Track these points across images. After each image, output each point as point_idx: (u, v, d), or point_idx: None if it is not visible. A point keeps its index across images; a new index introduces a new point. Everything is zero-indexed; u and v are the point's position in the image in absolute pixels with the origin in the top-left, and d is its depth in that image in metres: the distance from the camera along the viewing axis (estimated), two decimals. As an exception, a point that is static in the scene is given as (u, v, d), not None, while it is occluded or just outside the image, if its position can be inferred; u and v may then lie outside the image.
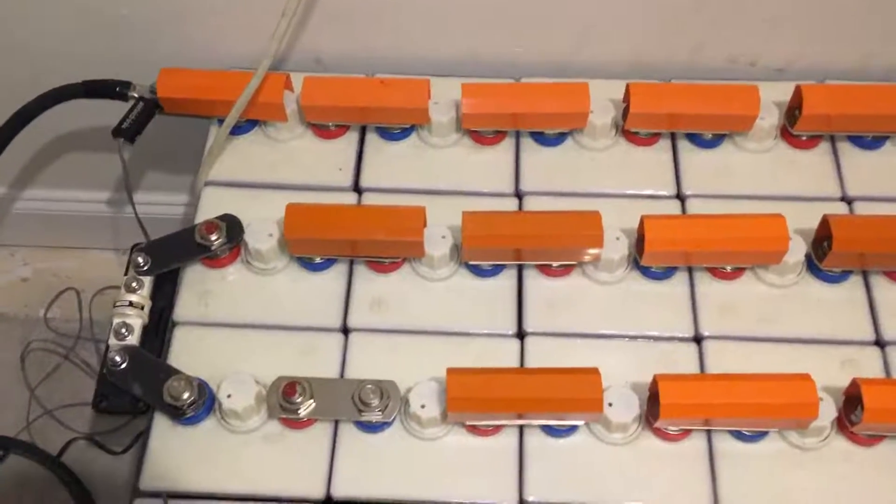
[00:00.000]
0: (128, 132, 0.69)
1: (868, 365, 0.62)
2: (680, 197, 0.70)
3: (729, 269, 0.65)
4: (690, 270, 0.66)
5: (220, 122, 0.72)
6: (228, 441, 0.60)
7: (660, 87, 0.71)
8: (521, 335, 0.64)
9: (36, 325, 1.05)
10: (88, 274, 1.09)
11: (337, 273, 0.66)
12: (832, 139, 0.72)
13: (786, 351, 0.63)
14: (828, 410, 0.58)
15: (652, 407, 0.58)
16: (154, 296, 0.65)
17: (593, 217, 0.62)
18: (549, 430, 0.60)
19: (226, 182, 0.71)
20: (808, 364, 0.60)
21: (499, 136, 0.72)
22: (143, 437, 0.92)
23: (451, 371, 0.57)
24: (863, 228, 0.64)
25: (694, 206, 0.69)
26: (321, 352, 0.63)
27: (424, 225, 0.63)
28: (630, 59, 0.77)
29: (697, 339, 0.64)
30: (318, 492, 0.58)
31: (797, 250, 0.64)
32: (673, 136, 0.72)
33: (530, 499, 0.58)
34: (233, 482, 0.59)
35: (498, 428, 0.60)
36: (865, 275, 0.66)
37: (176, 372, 0.60)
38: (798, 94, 0.69)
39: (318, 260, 0.66)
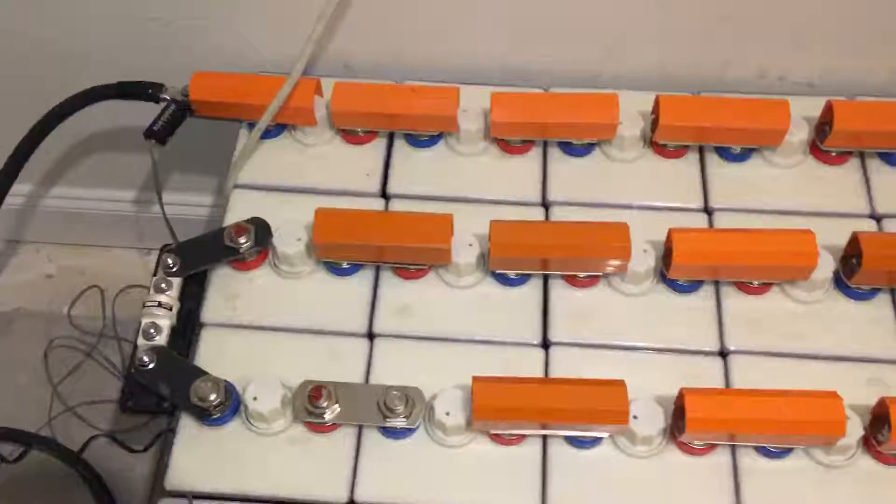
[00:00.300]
0: (159, 134, 0.70)
1: (895, 383, 0.62)
2: (707, 210, 0.70)
3: (756, 283, 0.65)
4: (717, 284, 0.66)
5: (250, 125, 0.73)
6: (253, 443, 0.60)
7: (689, 99, 0.71)
8: (545, 345, 0.64)
9: (59, 321, 1.06)
10: (112, 272, 1.10)
11: (363, 278, 0.67)
12: (861, 155, 0.72)
13: (812, 368, 0.63)
14: (854, 429, 0.57)
15: (677, 420, 0.58)
16: (182, 297, 0.65)
17: (621, 228, 0.62)
18: (573, 441, 0.60)
19: (254, 185, 0.72)
20: (835, 381, 0.60)
21: (526, 145, 0.73)
22: (165, 437, 0.93)
23: (477, 379, 0.57)
24: (892, 246, 0.63)
25: (721, 220, 0.69)
26: (346, 356, 0.64)
27: (452, 232, 0.64)
28: (659, 72, 0.77)
29: (723, 354, 0.64)
30: (341, 496, 0.58)
31: (825, 266, 0.64)
32: (701, 150, 0.72)
33: (553, 509, 0.58)
34: (256, 484, 0.59)
35: (521, 437, 0.60)
36: (893, 292, 0.65)
37: (203, 373, 0.60)
38: (828, 110, 0.69)
39: (344, 265, 0.66)
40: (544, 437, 0.60)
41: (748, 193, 0.70)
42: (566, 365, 0.63)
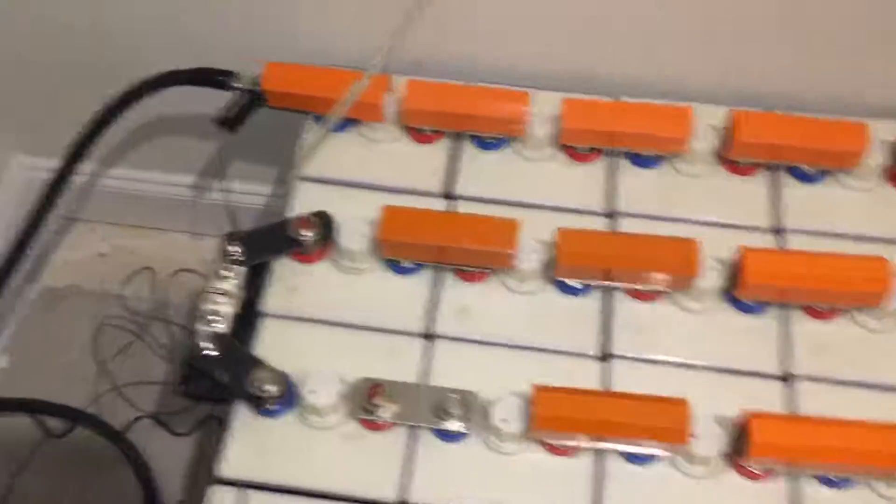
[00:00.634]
0: (230, 122, 0.70)
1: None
2: (776, 231, 0.68)
3: (824, 308, 0.64)
4: (784, 307, 0.65)
5: (317, 118, 0.73)
6: (307, 436, 0.60)
7: (766, 116, 0.70)
8: (604, 357, 0.63)
9: (110, 301, 1.07)
10: (164, 255, 1.10)
11: (423, 278, 0.66)
12: (936, 182, 0.70)
13: (879, 397, 0.61)
14: (921, 464, 0.56)
15: (739, 443, 0.57)
16: (243, 285, 0.65)
17: (690, 244, 0.61)
18: (629, 457, 0.59)
19: (318, 178, 0.72)
20: (903, 414, 0.58)
21: (594, 153, 0.72)
22: (208, 423, 0.93)
23: (537, 388, 0.57)
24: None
25: (791, 242, 0.68)
26: (402, 355, 0.63)
27: (518, 237, 0.63)
28: (733, 86, 0.75)
29: (785, 378, 0.62)
30: (392, 495, 0.58)
31: (898, 295, 0.62)
32: (773, 168, 0.71)
33: (606, 524, 0.57)
34: (308, 477, 0.59)
35: (576, 449, 0.59)
36: (967, 327, 0.64)
37: (262, 363, 0.60)
38: (906, 136, 0.67)
39: (406, 264, 0.66)
40: (599, 451, 0.59)
41: (820, 215, 0.69)
42: (624, 379, 0.62)
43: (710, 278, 0.64)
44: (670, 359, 0.63)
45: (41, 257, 1.10)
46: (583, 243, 0.62)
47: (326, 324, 0.65)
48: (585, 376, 0.63)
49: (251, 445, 0.60)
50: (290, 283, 0.66)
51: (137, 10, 0.81)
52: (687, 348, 0.63)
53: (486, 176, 0.72)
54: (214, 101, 0.76)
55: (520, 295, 0.66)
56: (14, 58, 0.91)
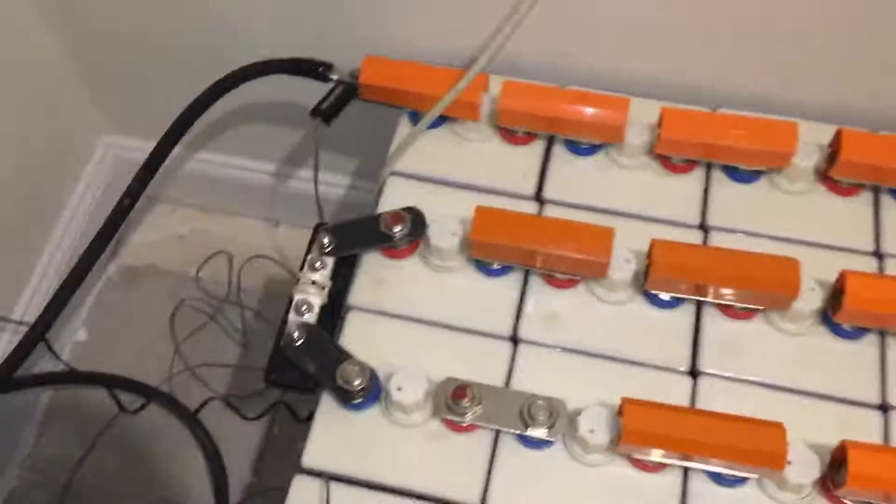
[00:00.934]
0: (326, 113, 0.70)
1: None
2: (878, 255, 0.66)
3: (927, 338, 0.61)
4: (882, 333, 0.63)
5: (411, 114, 0.73)
6: (390, 433, 0.60)
7: (874, 138, 0.67)
8: (693, 373, 0.62)
9: (186, 282, 1.09)
10: (240, 240, 1.12)
11: (512, 281, 0.66)
12: None
13: (981, 434, 0.59)
14: None
15: (834, 473, 0.55)
16: (333, 276, 0.65)
17: (791, 264, 0.60)
18: (717, 478, 0.57)
19: (410, 174, 0.71)
20: None
21: (690, 164, 0.70)
22: (277, 408, 0.94)
23: (628, 402, 0.56)
24: None
25: (892, 266, 0.66)
26: (487, 358, 0.63)
27: (612, 246, 0.62)
28: (837, 103, 0.73)
29: (884, 408, 0.60)
30: (473, 498, 0.58)
31: None
32: (877, 190, 0.69)
33: (690, 544, 0.56)
34: (389, 474, 0.59)
35: (663, 466, 0.58)
36: None
37: (350, 356, 0.60)
38: None
39: (495, 265, 0.65)
40: (686, 469, 0.58)
41: (924, 242, 0.66)
42: (712, 397, 0.61)
43: (808, 300, 0.62)
44: (761, 380, 0.62)
45: (121, 235, 1.12)
46: (679, 256, 0.61)
47: (411, 320, 0.65)
48: (672, 391, 0.61)
49: (335, 438, 0.60)
50: (376, 277, 0.66)
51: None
52: (780, 370, 0.62)
53: (578, 181, 0.71)
54: (301, 90, 0.77)
55: (608, 305, 0.65)
56: (107, 38, 0.93)
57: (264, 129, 0.99)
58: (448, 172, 0.71)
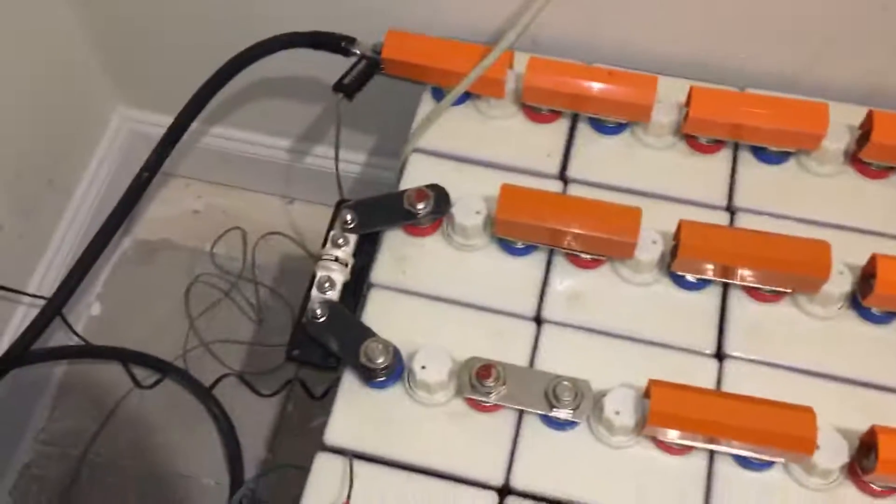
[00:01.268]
0: (349, 88, 0.69)
1: None
2: (908, 238, 0.66)
3: (957, 324, 0.61)
4: (913, 319, 0.62)
5: (435, 90, 0.72)
6: (413, 411, 0.60)
7: (906, 119, 0.66)
8: (720, 356, 0.62)
9: (201, 258, 1.09)
10: (255, 216, 1.11)
11: (536, 261, 0.65)
12: None
13: None
14: None
15: (863, 458, 0.55)
16: (356, 253, 0.65)
17: (823, 246, 0.59)
18: (743, 462, 0.57)
19: (433, 151, 0.71)
20: None
21: (717, 145, 0.69)
22: (293, 385, 0.93)
23: (655, 383, 0.55)
24: None
25: (922, 251, 0.65)
26: (511, 338, 0.62)
27: (640, 227, 0.61)
28: (868, 84, 0.72)
29: (912, 393, 0.60)
30: (496, 479, 0.57)
31: None
32: (907, 173, 0.68)
33: (715, 528, 0.56)
34: (412, 453, 0.58)
35: (688, 448, 0.57)
36: None
37: (373, 334, 0.60)
38: None
39: (519, 245, 0.65)
40: (711, 452, 0.58)
41: (955, 227, 0.65)
42: (739, 380, 0.60)
43: (837, 283, 0.61)
44: (788, 364, 0.61)
45: (136, 210, 1.11)
46: (708, 237, 0.60)
47: (434, 299, 0.64)
48: (697, 374, 0.61)
49: (357, 416, 0.59)
50: (399, 254, 0.66)
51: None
52: (807, 354, 0.61)
53: (603, 160, 0.70)
54: (321, 65, 0.76)
55: (634, 286, 0.64)
56: (122, 7, 0.91)
57: (282, 105, 0.98)
58: (471, 150, 0.70)
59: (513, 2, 0.72)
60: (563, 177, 0.69)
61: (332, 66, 0.73)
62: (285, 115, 1.00)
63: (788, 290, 0.62)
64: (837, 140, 0.67)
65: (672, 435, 0.56)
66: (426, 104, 0.72)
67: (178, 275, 1.07)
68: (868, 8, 0.69)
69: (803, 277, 0.59)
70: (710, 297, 0.64)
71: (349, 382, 0.60)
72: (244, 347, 1.02)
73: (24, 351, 0.83)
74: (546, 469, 0.58)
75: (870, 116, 0.65)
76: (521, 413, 0.59)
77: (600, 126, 0.71)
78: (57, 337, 0.96)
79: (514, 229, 0.63)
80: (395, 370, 0.59)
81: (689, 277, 0.63)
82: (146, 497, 0.96)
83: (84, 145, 1.03)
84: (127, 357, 0.95)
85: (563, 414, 0.57)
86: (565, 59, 0.73)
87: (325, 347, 0.61)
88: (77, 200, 1.01)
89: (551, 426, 0.59)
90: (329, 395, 0.62)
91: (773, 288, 0.62)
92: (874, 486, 0.55)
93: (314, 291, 0.62)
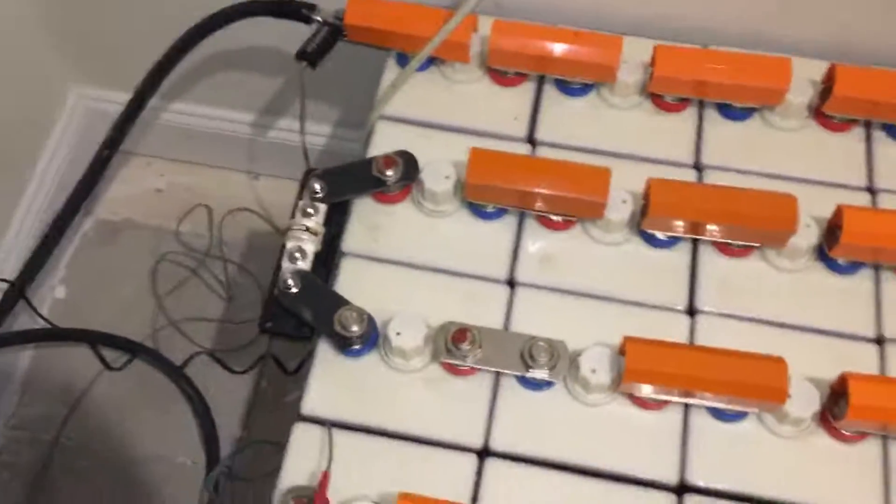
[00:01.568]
0: (312, 56, 0.68)
1: None
2: (871, 190, 0.66)
3: (921, 270, 0.62)
4: (877, 267, 0.63)
5: (399, 56, 0.71)
6: (389, 378, 0.59)
7: (867, 72, 0.67)
8: (691, 311, 0.62)
9: (166, 236, 1.07)
10: (220, 193, 1.10)
11: (507, 224, 0.65)
12: None
13: (975, 364, 0.60)
14: None
15: (834, 405, 0.56)
16: (326, 223, 0.64)
17: (789, 200, 0.60)
18: (717, 414, 0.58)
19: (399, 118, 0.70)
20: None
21: (682, 103, 0.70)
22: (265, 361, 0.93)
23: (630, 340, 0.56)
24: None
25: (885, 201, 0.66)
26: (485, 301, 0.62)
27: (609, 187, 0.61)
28: (833, 39, 0.73)
29: (879, 341, 0.61)
30: (475, 442, 0.58)
31: None
32: (868, 125, 0.69)
33: (692, 480, 0.56)
34: (390, 420, 0.58)
35: (664, 403, 0.58)
36: None
37: (346, 302, 0.59)
38: None
39: (489, 208, 0.65)
40: (686, 406, 0.58)
41: (916, 175, 0.67)
42: (711, 335, 0.61)
43: (804, 236, 0.62)
44: (759, 316, 0.62)
45: (97, 190, 1.09)
46: (677, 195, 0.61)
47: (407, 265, 0.64)
48: (670, 330, 0.61)
49: (334, 385, 0.59)
50: (370, 222, 0.65)
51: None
52: (777, 306, 0.62)
53: (570, 122, 0.70)
54: (282, 35, 0.75)
55: (604, 245, 0.64)
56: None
57: (243, 77, 0.97)
58: (438, 116, 0.70)
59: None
60: (531, 139, 0.69)
61: (294, 36, 0.72)
62: (247, 87, 0.99)
63: (757, 245, 0.63)
64: (801, 94, 0.67)
65: (647, 390, 0.56)
66: (391, 71, 0.71)
67: (143, 254, 1.06)
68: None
69: (771, 231, 0.60)
70: (681, 254, 0.64)
71: (324, 352, 0.60)
72: (214, 325, 1.01)
73: (-11, 336, 0.82)
74: (524, 430, 0.58)
75: (832, 70, 0.66)
76: (497, 375, 0.59)
77: (566, 88, 0.70)
78: (21, 321, 0.95)
79: (485, 193, 0.63)
80: (370, 338, 0.59)
81: (660, 235, 0.64)
82: (120, 480, 0.95)
83: (41, 125, 1.01)
84: (95, 339, 0.94)
85: (539, 374, 0.58)
86: (529, 21, 0.72)
87: (299, 318, 0.60)
88: (36, 182, 0.99)
89: (528, 387, 0.59)
90: (302, 369, 0.61)
91: (742, 243, 0.62)
92: (845, 433, 0.56)
93: (285, 262, 0.61)
